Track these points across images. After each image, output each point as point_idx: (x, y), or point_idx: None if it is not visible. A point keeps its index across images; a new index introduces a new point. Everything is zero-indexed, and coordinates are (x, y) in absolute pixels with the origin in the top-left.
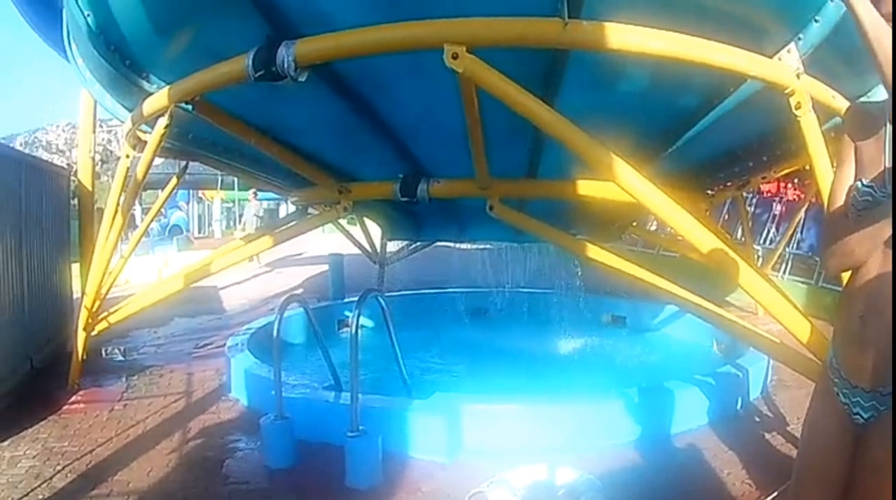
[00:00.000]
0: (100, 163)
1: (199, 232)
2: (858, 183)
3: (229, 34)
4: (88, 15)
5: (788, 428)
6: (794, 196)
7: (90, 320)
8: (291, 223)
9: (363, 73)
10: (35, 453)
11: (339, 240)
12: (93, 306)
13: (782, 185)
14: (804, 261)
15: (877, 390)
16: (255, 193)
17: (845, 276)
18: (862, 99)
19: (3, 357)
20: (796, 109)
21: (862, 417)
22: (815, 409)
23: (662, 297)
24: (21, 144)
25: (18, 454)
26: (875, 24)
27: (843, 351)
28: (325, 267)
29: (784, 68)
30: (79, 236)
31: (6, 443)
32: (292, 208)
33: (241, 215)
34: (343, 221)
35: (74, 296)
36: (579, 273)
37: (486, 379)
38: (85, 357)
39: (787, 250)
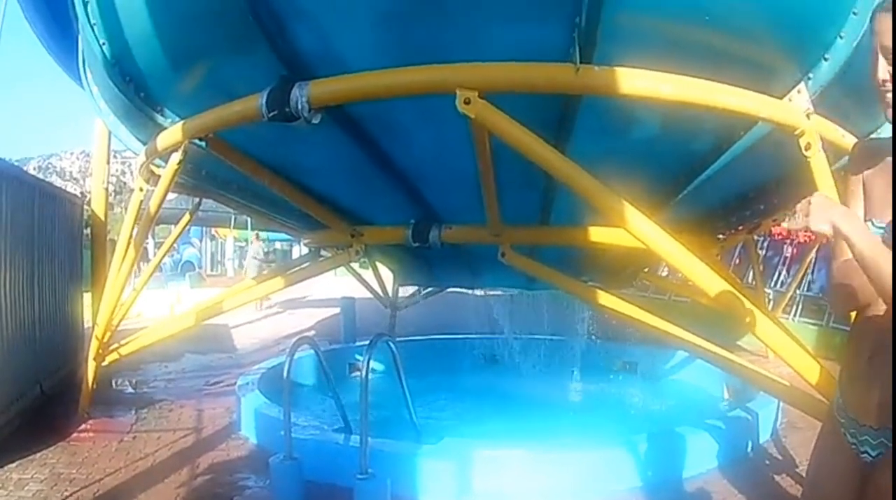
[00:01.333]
0: (113, 194)
1: (212, 269)
2: (869, 224)
3: (244, 72)
4: (104, 44)
5: (798, 470)
6: (805, 238)
7: (101, 351)
8: (304, 265)
9: (376, 116)
10: (43, 477)
11: (350, 283)
12: (104, 337)
13: None
14: (815, 302)
15: (885, 427)
16: (258, 235)
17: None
18: (872, 136)
19: (13, 380)
20: (806, 149)
21: (870, 455)
22: (822, 449)
23: (673, 343)
24: (35, 169)
25: (26, 477)
26: (872, 248)
27: (850, 391)
28: (337, 310)
29: (794, 109)
30: (91, 266)
31: (14, 465)
32: (304, 250)
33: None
34: (355, 265)
35: (85, 325)
36: (590, 320)
37: (496, 424)
38: (95, 387)
39: (797, 291)
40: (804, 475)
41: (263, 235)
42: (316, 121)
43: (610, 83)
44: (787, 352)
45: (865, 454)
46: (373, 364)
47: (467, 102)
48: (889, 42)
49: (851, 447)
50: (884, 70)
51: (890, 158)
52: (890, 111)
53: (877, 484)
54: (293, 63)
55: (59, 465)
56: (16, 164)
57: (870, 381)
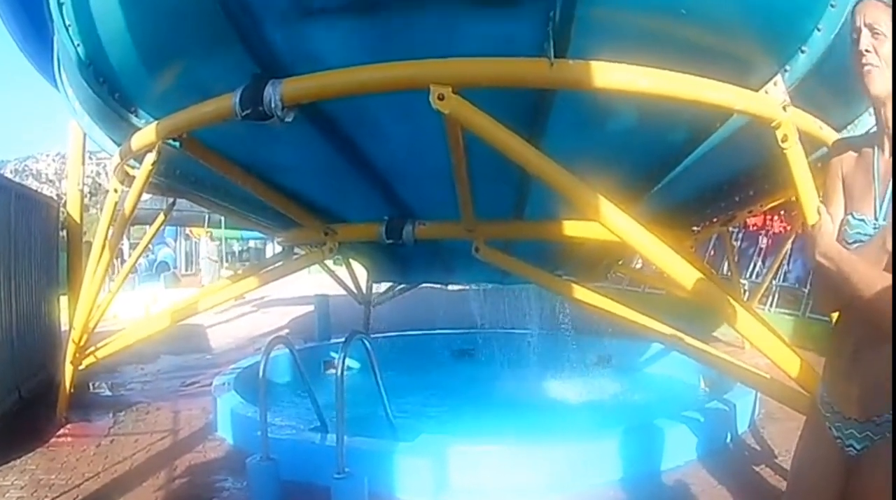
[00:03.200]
0: (88, 195)
1: (186, 269)
2: (850, 216)
3: (218, 71)
4: (78, 45)
5: (777, 460)
6: (781, 228)
7: (78, 354)
8: (278, 264)
9: (350, 113)
10: (23, 483)
11: (324, 280)
12: (80, 340)
13: (768, 218)
14: (791, 293)
15: (871, 420)
16: (211, 234)
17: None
18: (849, 127)
19: None
20: (783, 141)
21: (855, 448)
22: (806, 441)
23: (649, 335)
24: (11, 172)
25: (6, 483)
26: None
27: (835, 384)
28: (311, 307)
29: (771, 101)
30: (67, 269)
31: None
32: (278, 248)
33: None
34: (329, 262)
35: (62, 328)
36: (565, 313)
37: (471, 420)
38: (72, 391)
39: (773, 282)
40: (784, 465)
41: (220, 233)
42: (289, 119)
43: (585, 77)
44: (763, 343)
45: (850, 448)
46: (348, 362)
47: (441, 97)
48: (872, 20)
49: (836, 441)
50: (867, 41)
51: (867, 149)
52: (871, 84)
53: (861, 477)
54: (266, 61)
55: (39, 471)
56: None
57: (854, 375)
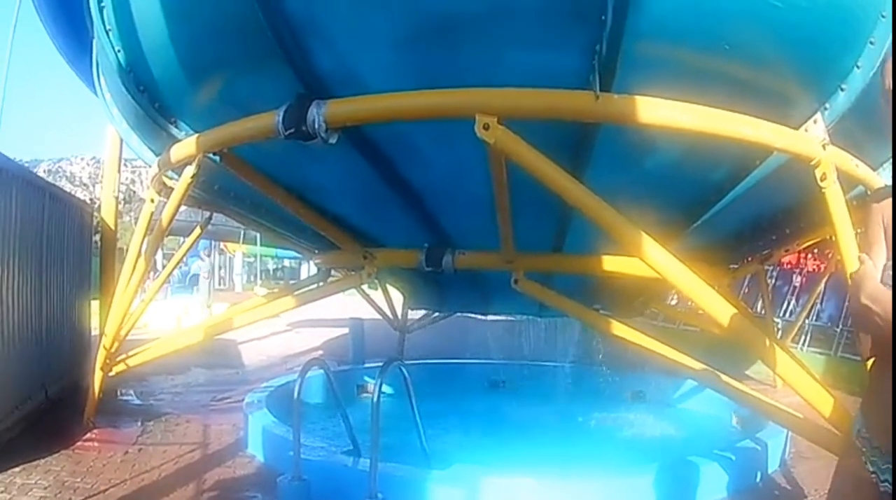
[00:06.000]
0: (122, 203)
1: (219, 284)
2: (892, 263)
3: (261, 88)
4: (119, 51)
5: None
6: (814, 267)
7: (108, 361)
8: (313, 286)
9: (393, 138)
10: (47, 484)
11: (357, 302)
12: (111, 348)
13: (802, 256)
14: (823, 332)
15: None
16: (208, 252)
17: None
18: (885, 164)
19: (18, 384)
20: (821, 180)
21: (890, 483)
22: (842, 479)
23: (683, 372)
24: (44, 172)
25: (30, 482)
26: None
27: (876, 419)
28: (344, 329)
29: (810, 140)
30: (99, 274)
31: (18, 469)
32: (313, 269)
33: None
34: (364, 285)
35: (92, 332)
36: (599, 347)
37: (504, 451)
38: (101, 396)
39: (806, 321)
40: None
41: (255, 249)
42: (333, 141)
43: (629, 112)
44: (796, 381)
45: (886, 483)
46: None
47: (486, 127)
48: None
49: (872, 477)
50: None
51: None
52: None
53: None
54: (310, 81)
55: (64, 473)
56: (27, 167)
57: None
